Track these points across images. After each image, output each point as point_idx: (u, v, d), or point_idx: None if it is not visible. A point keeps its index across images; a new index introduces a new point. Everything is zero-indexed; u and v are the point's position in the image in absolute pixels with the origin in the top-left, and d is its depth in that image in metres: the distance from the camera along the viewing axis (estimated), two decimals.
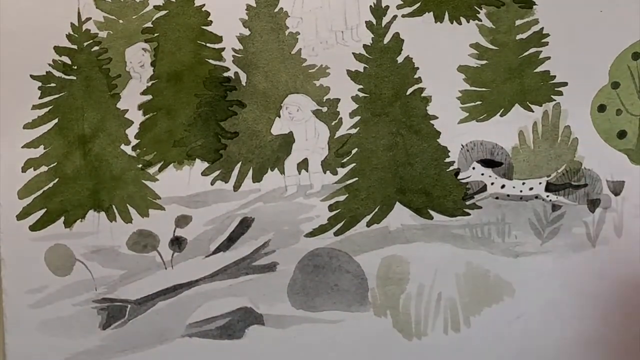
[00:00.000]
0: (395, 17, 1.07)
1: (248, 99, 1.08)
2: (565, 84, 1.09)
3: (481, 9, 1.08)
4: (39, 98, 1.07)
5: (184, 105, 1.08)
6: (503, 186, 1.09)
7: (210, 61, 1.08)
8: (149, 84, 1.08)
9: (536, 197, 1.09)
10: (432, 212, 1.09)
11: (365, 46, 1.08)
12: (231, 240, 1.10)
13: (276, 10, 1.08)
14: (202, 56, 1.08)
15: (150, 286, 1.09)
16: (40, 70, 1.07)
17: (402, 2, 1.07)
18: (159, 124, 1.08)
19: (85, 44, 1.07)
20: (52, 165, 1.08)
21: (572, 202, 1.09)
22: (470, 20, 1.08)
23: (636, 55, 1.08)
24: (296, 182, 1.10)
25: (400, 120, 1.09)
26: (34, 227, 1.08)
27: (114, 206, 1.09)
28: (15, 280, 1.08)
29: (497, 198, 1.09)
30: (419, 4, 1.07)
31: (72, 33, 1.07)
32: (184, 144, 1.08)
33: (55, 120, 1.08)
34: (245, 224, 1.09)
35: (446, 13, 1.07)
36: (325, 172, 1.09)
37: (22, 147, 1.07)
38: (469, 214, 1.09)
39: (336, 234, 1.09)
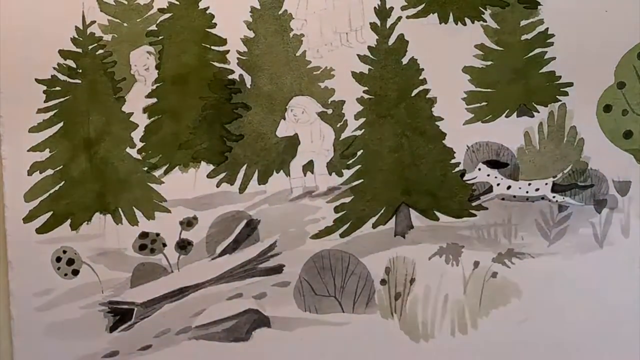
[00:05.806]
0: (399, 18, 1.07)
1: (253, 102, 1.08)
2: (570, 84, 1.08)
3: (486, 10, 1.07)
4: (44, 102, 1.07)
5: (189, 108, 1.08)
6: (509, 187, 1.08)
7: (215, 64, 1.08)
8: (154, 87, 1.08)
9: (542, 198, 1.08)
10: (438, 214, 1.09)
11: (369, 48, 1.07)
12: (237, 242, 1.10)
13: (280, 12, 1.07)
14: (206, 59, 1.08)
15: (156, 289, 1.09)
16: (45, 74, 1.07)
17: (406, 4, 1.07)
18: (164, 126, 1.08)
19: (90, 47, 1.07)
20: (58, 169, 1.08)
21: (579, 203, 1.09)
22: (475, 21, 1.07)
23: None
24: (302, 184, 1.09)
25: (405, 122, 1.08)
26: (40, 230, 1.08)
27: (120, 209, 1.09)
28: (22, 283, 1.08)
29: (503, 199, 1.09)
30: (423, 5, 1.07)
31: (76, 37, 1.07)
32: (190, 146, 1.08)
33: (61, 124, 1.08)
34: (251, 226, 1.09)
35: (451, 14, 1.07)
36: (330, 174, 1.09)
37: (28, 151, 1.08)
38: (475, 215, 1.09)
39: (342, 235, 1.09)
